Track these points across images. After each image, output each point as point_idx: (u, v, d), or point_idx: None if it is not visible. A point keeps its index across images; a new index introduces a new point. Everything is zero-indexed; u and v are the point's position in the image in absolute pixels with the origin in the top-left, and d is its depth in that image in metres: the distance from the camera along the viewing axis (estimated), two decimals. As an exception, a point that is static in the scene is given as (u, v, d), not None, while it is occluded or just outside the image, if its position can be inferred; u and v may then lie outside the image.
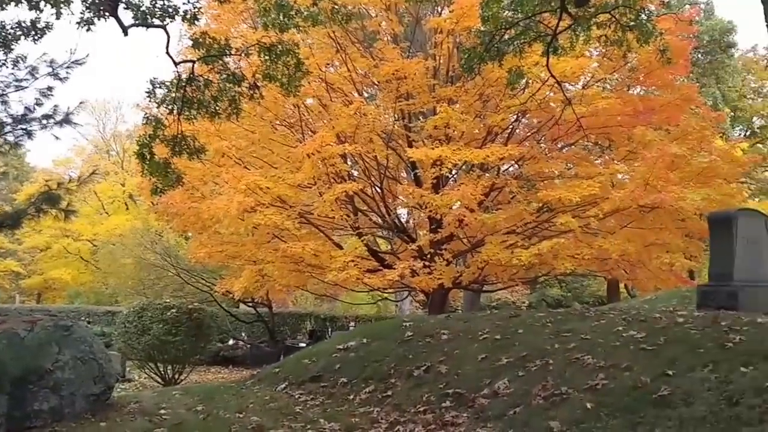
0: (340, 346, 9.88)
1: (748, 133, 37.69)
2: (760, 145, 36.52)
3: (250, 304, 26.53)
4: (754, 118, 37.46)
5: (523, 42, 10.86)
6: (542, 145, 18.36)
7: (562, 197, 15.37)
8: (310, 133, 17.51)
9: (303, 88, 16.25)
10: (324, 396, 8.74)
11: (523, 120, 19.28)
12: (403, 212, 22.61)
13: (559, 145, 18.75)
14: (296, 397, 8.92)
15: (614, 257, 15.76)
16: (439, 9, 18.69)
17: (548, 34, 10.70)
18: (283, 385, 9.44)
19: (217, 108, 12.11)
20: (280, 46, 11.82)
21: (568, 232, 16.02)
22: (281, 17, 11.16)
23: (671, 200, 14.83)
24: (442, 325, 9.73)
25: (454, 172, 18.65)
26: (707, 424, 5.44)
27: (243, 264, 17.90)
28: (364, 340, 9.79)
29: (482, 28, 10.83)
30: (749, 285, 9.45)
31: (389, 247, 21.67)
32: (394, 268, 16.10)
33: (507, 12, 10.55)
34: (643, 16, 11.03)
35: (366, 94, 20.62)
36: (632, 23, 10.85)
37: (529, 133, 19.22)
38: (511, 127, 18.50)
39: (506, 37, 10.89)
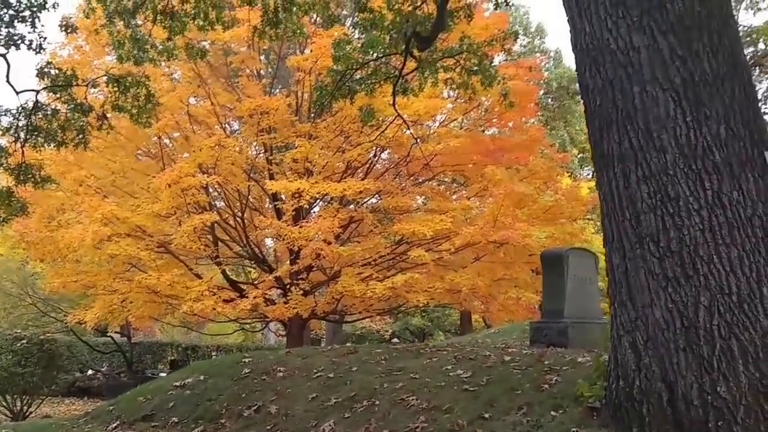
0: (177, 383, 9.17)
1: (594, 174, 38.92)
2: (604, 184, 37.65)
3: (109, 335, 25.18)
4: (599, 159, 38.64)
5: (373, 81, 10.71)
6: (401, 180, 18.17)
7: (416, 231, 15.17)
8: (172, 164, 16.73)
9: (164, 120, 15.77)
10: (153, 437, 8.04)
11: (382, 155, 19.09)
12: (270, 242, 21.98)
13: (419, 180, 18.60)
14: (125, 437, 8.20)
15: (465, 291, 15.60)
16: (302, 48, 18.35)
17: (395, 75, 10.56)
18: (115, 424, 8.67)
19: (65, 138, 11.40)
20: (129, 78, 11.24)
21: (423, 265, 15.78)
22: (136, 50, 10.68)
23: (517, 237, 14.82)
24: (280, 362, 9.14)
25: (316, 204, 18.28)
26: (514, 472, 5.11)
27: (99, 294, 16.84)
28: (201, 377, 9.11)
29: (335, 67, 10.65)
30: (578, 322, 9.33)
31: (257, 276, 21.00)
32: (248, 298, 15.50)
33: (359, 53, 10.36)
34: (486, 61, 11.05)
35: (235, 126, 20.10)
36: (476, 68, 10.85)
37: (387, 168, 19.02)
38: (370, 161, 18.20)
39: (357, 76, 10.76)
